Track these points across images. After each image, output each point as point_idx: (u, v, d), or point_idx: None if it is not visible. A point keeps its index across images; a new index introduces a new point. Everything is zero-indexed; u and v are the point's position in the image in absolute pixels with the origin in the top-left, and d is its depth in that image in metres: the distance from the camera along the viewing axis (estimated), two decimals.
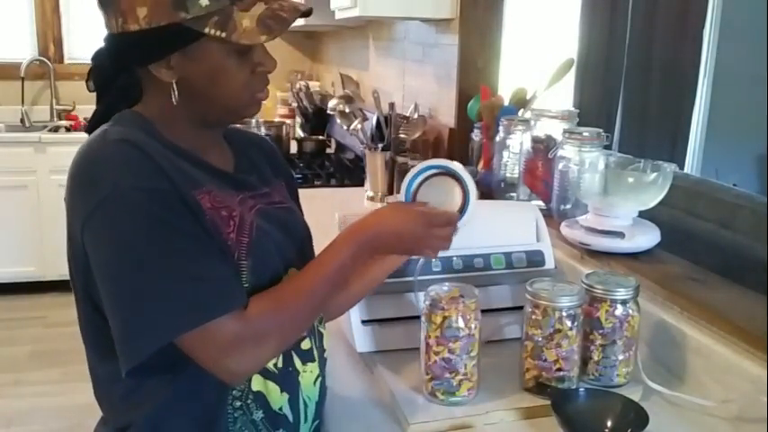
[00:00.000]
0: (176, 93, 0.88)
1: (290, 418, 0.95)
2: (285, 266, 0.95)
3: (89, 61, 0.96)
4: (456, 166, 1.02)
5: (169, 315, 0.80)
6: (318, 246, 1.09)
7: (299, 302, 0.89)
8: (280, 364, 0.93)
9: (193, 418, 0.89)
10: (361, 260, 0.96)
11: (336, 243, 0.94)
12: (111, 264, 0.82)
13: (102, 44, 0.93)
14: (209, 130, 0.96)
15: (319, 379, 1.00)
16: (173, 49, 0.86)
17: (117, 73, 0.94)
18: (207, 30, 0.84)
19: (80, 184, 0.84)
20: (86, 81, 0.97)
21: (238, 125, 1.07)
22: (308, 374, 0.97)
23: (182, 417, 0.89)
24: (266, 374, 0.92)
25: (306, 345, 0.98)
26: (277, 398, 0.93)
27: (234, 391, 0.90)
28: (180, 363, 0.85)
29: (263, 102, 0.95)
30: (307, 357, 0.98)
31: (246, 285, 0.88)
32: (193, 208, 0.85)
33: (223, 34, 0.84)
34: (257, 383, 0.91)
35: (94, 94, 0.97)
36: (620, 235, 1.31)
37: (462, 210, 1.01)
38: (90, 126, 0.96)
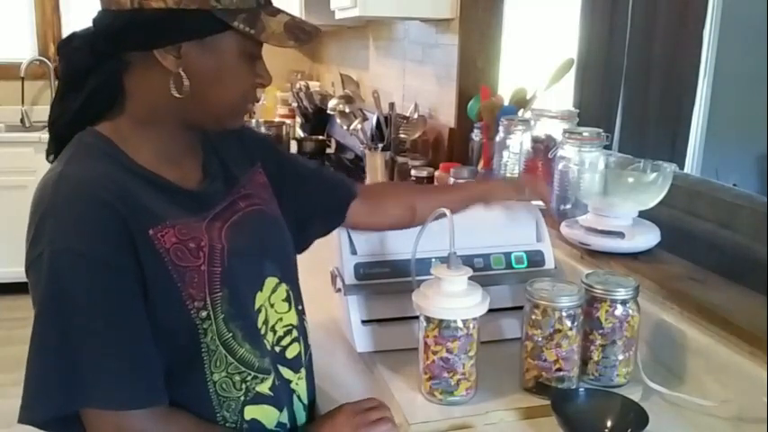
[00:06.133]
0: (185, 82, 0.82)
1: (288, 426, 0.95)
2: (262, 279, 0.93)
3: None
4: None
5: (93, 385, 0.78)
6: (316, 247, 1.08)
7: None
8: (276, 383, 0.93)
9: None
10: None
11: None
12: (41, 318, 0.79)
13: (83, 27, 0.87)
14: (188, 133, 0.91)
15: (306, 380, 1.00)
16: (192, 36, 0.81)
17: (98, 62, 0.85)
18: (236, 24, 0.81)
19: (29, 228, 0.82)
20: (58, 68, 0.88)
21: None
22: (301, 381, 0.98)
23: None
24: (260, 400, 0.90)
25: (293, 351, 0.97)
26: (273, 417, 0.92)
27: (228, 423, 0.88)
28: (171, 395, 0.84)
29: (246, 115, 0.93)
30: (296, 365, 0.98)
31: (222, 315, 0.85)
32: (148, 254, 0.81)
33: (252, 31, 0.81)
34: (251, 412, 0.89)
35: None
36: (620, 235, 1.31)
37: None
38: (56, 127, 0.90)
